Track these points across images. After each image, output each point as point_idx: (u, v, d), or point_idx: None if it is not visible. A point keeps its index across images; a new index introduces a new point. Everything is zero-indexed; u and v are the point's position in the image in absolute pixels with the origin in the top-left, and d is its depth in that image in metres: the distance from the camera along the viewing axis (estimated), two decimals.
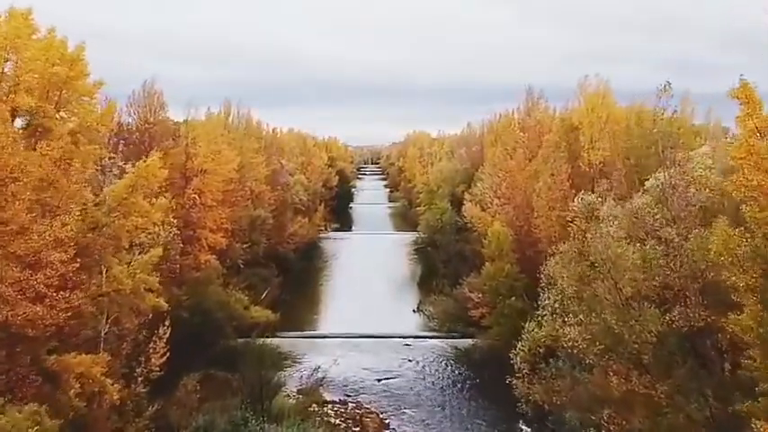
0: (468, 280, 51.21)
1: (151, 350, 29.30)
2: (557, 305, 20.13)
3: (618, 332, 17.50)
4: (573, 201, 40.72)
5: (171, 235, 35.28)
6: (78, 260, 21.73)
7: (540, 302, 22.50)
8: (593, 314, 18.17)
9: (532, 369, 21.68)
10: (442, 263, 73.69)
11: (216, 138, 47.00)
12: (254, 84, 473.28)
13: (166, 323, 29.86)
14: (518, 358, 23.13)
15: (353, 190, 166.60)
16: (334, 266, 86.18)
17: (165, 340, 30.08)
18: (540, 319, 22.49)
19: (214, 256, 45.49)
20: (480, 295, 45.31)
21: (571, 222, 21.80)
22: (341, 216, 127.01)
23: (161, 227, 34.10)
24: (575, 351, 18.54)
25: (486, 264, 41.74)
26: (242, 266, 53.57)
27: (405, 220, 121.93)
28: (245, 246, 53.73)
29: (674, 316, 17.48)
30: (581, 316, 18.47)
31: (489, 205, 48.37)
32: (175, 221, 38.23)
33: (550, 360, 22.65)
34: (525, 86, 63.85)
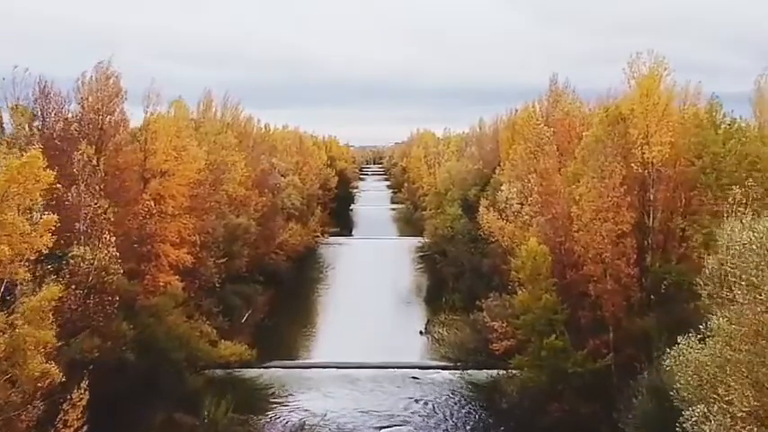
0: (486, 302, 42.58)
1: (60, 424, 20.79)
2: None
3: None
4: (627, 210, 32.61)
5: (107, 257, 26.75)
6: None
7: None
8: None
9: None
10: (452, 275, 65.32)
11: (180, 132, 38.42)
12: (257, 84, 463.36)
13: (84, 384, 21.30)
14: None
15: (354, 191, 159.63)
16: (330, 278, 78.10)
17: (81, 408, 21.54)
18: None
19: (177, 277, 37.03)
20: (505, 325, 36.75)
21: (735, 280, 12.67)
22: (341, 219, 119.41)
23: (88, 246, 25.81)
24: None
25: (519, 292, 33.14)
26: (218, 285, 44.97)
27: (409, 223, 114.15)
28: (221, 260, 45.18)
29: None
30: None
31: (516, 214, 39.78)
32: (118, 238, 29.80)
33: None
34: (550, 75, 55.55)
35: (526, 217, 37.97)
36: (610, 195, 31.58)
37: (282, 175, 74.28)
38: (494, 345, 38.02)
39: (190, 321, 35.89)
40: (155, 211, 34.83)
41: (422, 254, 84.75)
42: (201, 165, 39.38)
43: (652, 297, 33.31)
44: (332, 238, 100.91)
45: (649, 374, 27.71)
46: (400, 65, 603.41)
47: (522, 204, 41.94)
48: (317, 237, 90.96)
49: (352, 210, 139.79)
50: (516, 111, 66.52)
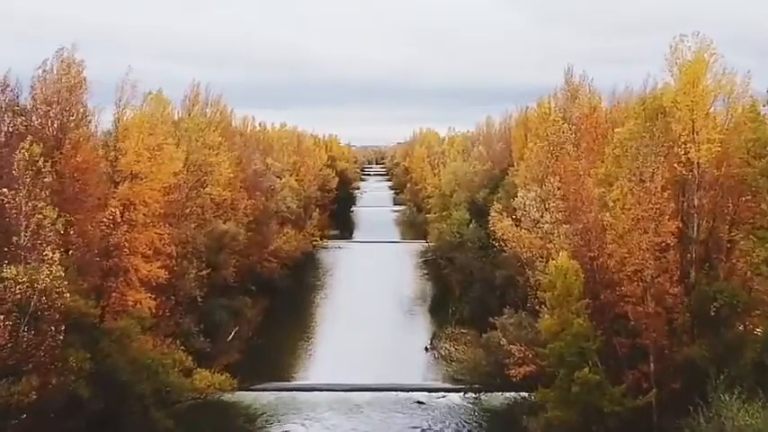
0: (501, 320, 37.89)
1: None
2: None
3: None
4: (670, 219, 27.88)
5: (51, 277, 22.11)
6: None
7: None
8: None
9: None
10: (459, 284, 60.82)
11: (155, 129, 33.65)
12: (257, 84, 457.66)
13: None
14: None
15: (356, 192, 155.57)
16: (328, 285, 73.92)
17: None
18: None
19: (150, 294, 32.33)
20: (524, 349, 32.07)
21: None
22: (341, 221, 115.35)
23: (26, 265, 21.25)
24: None
25: (542, 313, 28.41)
26: (200, 300, 40.21)
27: (412, 226, 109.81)
28: (204, 272, 40.45)
29: None
30: None
31: (535, 223, 35.02)
32: (77, 250, 25.18)
33: None
34: (565, 67, 50.72)
35: (547, 226, 33.15)
36: (651, 201, 26.86)
37: (278, 177, 69.58)
38: (511, 370, 33.36)
39: (162, 346, 31.13)
40: (120, 220, 30.07)
41: (425, 259, 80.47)
42: (179, 166, 34.67)
43: (696, 321, 28.66)
44: (331, 242, 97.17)
45: (708, 417, 22.99)
46: (400, 65, 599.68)
47: (541, 211, 37.26)
48: (315, 241, 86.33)
49: (352, 211, 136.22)
50: (527, 108, 62.00)
